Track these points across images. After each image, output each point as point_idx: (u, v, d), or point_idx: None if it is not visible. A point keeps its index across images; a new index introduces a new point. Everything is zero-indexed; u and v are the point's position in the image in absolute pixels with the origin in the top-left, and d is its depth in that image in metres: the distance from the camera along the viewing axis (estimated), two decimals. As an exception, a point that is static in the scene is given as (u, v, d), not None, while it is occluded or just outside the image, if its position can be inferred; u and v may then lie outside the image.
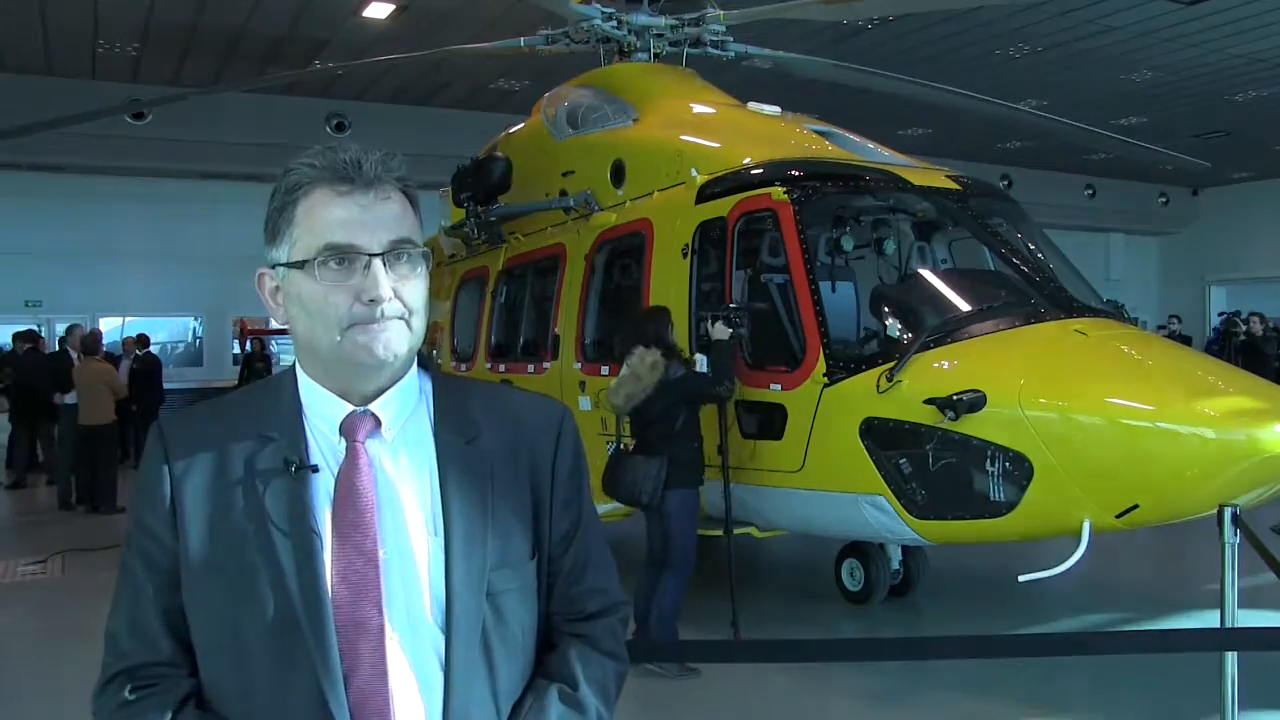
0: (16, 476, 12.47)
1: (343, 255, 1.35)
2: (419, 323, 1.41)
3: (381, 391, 1.42)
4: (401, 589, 1.36)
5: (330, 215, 1.37)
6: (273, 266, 1.42)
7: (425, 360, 1.53)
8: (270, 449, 1.39)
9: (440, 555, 1.38)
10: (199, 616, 1.37)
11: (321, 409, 1.43)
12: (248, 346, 16.81)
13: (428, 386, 1.50)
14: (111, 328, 16.86)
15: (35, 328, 15.48)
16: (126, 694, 1.36)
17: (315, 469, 1.39)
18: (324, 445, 1.41)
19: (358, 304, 1.35)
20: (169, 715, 1.34)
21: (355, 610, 1.33)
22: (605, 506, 6.85)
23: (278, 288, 1.43)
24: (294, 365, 1.48)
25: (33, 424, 12.31)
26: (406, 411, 1.45)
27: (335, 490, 1.38)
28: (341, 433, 1.41)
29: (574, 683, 1.44)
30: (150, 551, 1.40)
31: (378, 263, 1.36)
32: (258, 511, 1.35)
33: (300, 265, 1.37)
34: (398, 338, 1.38)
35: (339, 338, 1.36)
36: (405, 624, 1.36)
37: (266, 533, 1.34)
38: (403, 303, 1.38)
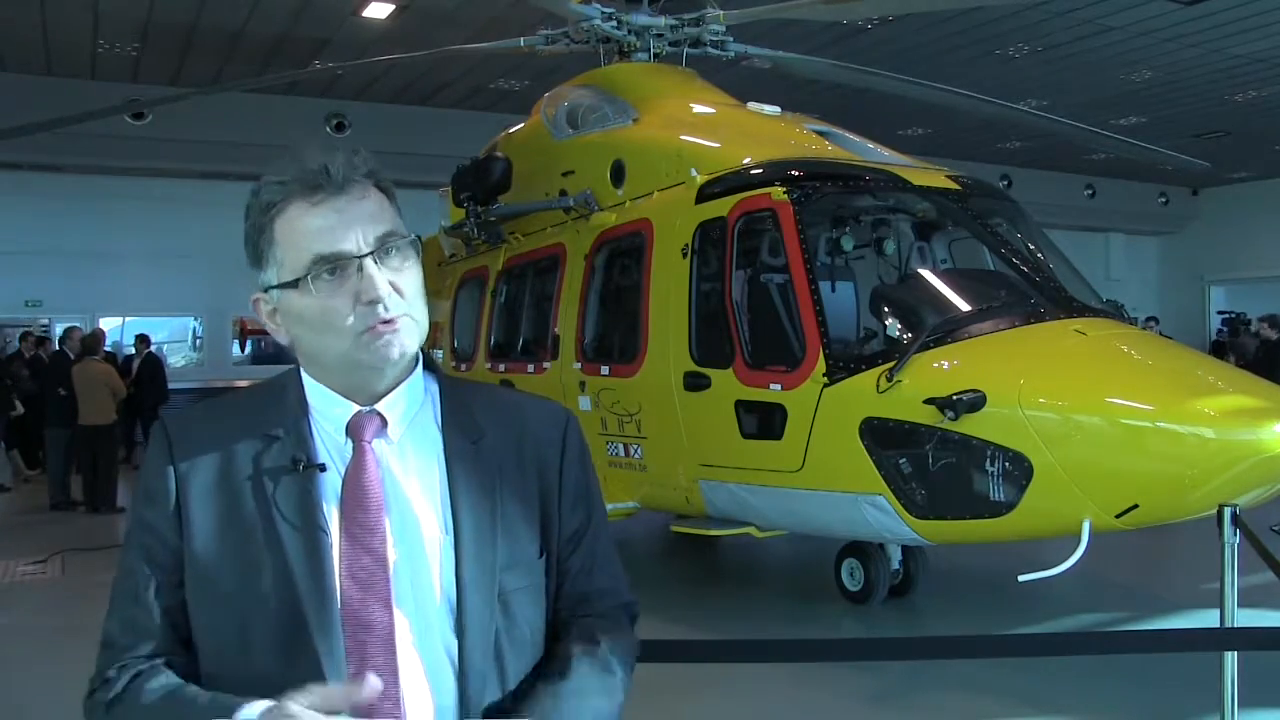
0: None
1: (333, 264, 1.34)
2: (421, 313, 1.41)
3: (388, 391, 1.42)
4: (411, 588, 1.35)
5: (310, 226, 1.35)
6: (266, 290, 1.41)
7: (431, 362, 1.52)
8: (276, 448, 1.38)
9: (450, 554, 1.37)
10: (203, 614, 1.36)
11: (327, 409, 1.42)
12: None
13: (434, 388, 1.49)
14: (111, 328, 16.85)
15: (42, 328, 15.50)
16: (120, 687, 1.34)
17: (323, 468, 1.38)
18: (330, 445, 1.41)
19: (359, 305, 1.34)
20: (159, 680, 1.33)
21: (363, 609, 1.32)
22: (606, 506, 6.86)
23: (275, 310, 1.42)
24: (297, 367, 1.46)
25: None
26: (413, 411, 1.44)
27: (343, 490, 1.37)
28: (348, 433, 1.40)
29: (596, 643, 1.43)
30: (153, 549, 1.38)
31: (369, 262, 1.34)
32: (266, 508, 1.35)
33: (294, 285, 1.36)
34: (408, 336, 1.37)
35: (350, 344, 1.35)
36: (415, 623, 1.35)
37: (275, 528, 1.34)
38: (402, 296, 1.37)
